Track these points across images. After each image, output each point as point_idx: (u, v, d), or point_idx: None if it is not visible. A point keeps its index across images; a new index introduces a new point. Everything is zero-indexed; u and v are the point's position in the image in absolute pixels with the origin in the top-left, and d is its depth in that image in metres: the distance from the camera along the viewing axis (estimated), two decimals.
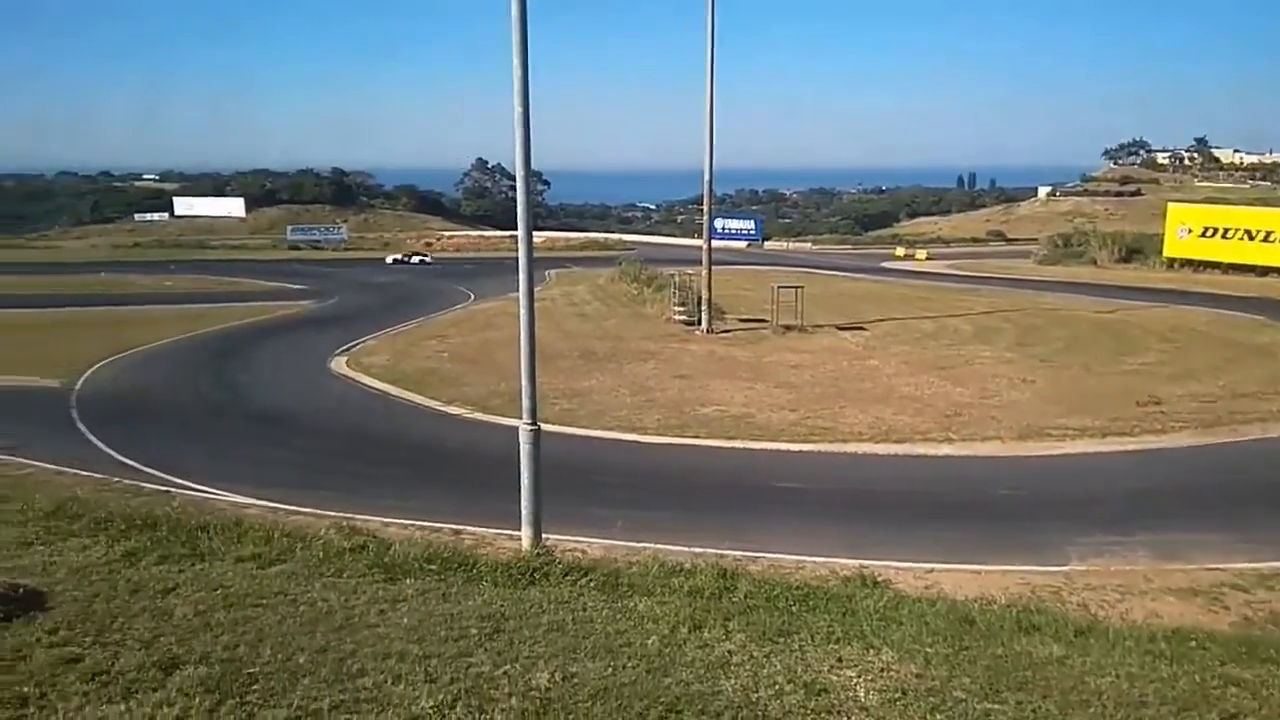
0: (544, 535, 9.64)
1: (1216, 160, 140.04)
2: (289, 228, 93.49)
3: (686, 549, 11.06)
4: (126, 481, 16.00)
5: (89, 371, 27.05)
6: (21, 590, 6.78)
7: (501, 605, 6.75)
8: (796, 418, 21.29)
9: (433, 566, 7.57)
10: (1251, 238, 56.86)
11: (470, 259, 74.34)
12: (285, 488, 15.60)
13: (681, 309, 36.18)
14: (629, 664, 5.81)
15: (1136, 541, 13.82)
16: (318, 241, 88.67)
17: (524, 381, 8.91)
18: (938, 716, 5.32)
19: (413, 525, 13.01)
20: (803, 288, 36.00)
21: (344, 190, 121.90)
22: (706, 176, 33.20)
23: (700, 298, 34.62)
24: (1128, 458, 18.81)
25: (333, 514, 13.30)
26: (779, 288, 34.95)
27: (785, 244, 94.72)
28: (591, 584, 7.23)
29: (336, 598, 6.96)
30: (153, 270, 62.80)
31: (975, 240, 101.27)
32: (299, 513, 13.54)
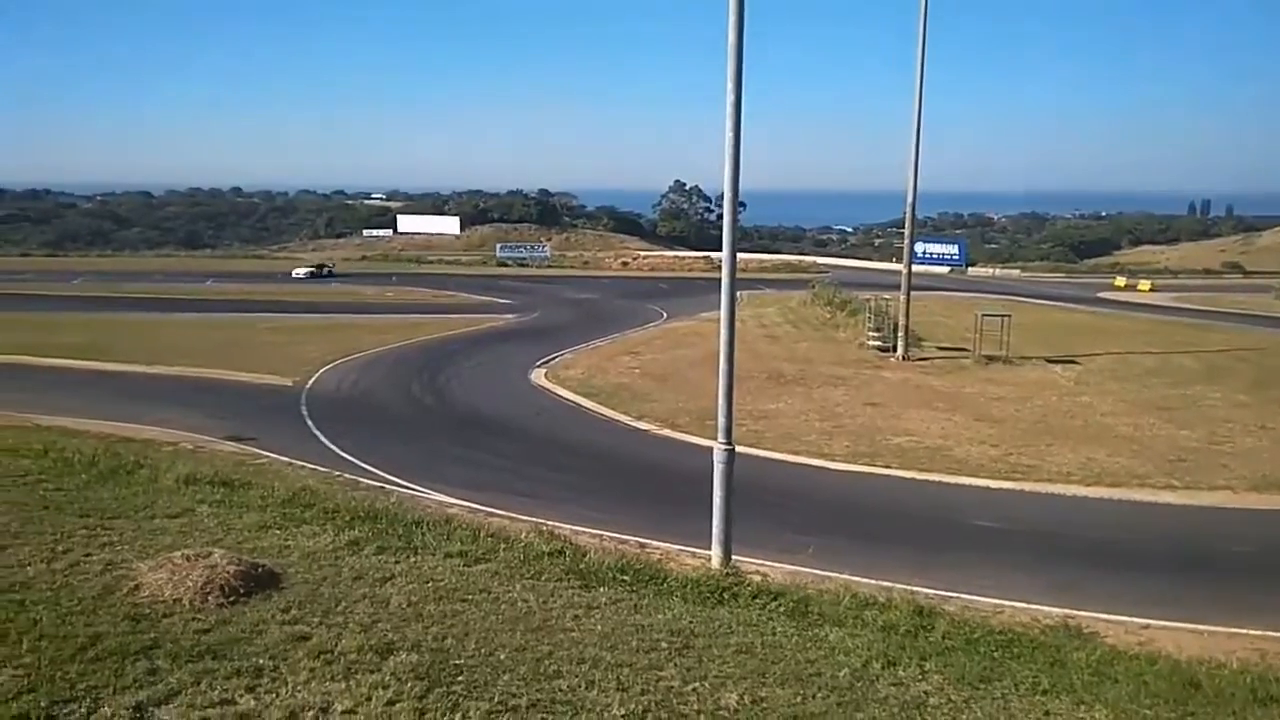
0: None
1: None
2: (498, 245, 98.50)
3: (875, 581, 10.76)
4: (346, 475, 17.40)
5: (318, 372, 29.56)
6: (260, 570, 7.51)
7: (691, 622, 6.83)
8: (998, 454, 20.26)
9: (625, 577, 7.76)
10: None
11: (664, 278, 75.56)
12: (484, 490, 16.47)
13: (876, 334, 35.28)
14: (819, 694, 5.73)
15: None
16: (523, 259, 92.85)
17: (721, 402, 9.00)
18: None
19: (601, 535, 13.40)
20: (1009, 316, 34.23)
21: (549, 210, 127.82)
22: (909, 198, 32.27)
23: (896, 324, 33.62)
24: None
25: (527, 518, 13.93)
26: (983, 315, 33.41)
27: (991, 270, 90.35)
28: (781, 609, 7.18)
29: (535, 599, 7.26)
30: (378, 282, 67.90)
31: (1208, 272, 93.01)
32: (496, 514, 14.26)
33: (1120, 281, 79.09)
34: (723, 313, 8.70)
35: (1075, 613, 11.39)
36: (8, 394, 24.14)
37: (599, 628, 6.71)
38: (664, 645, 6.38)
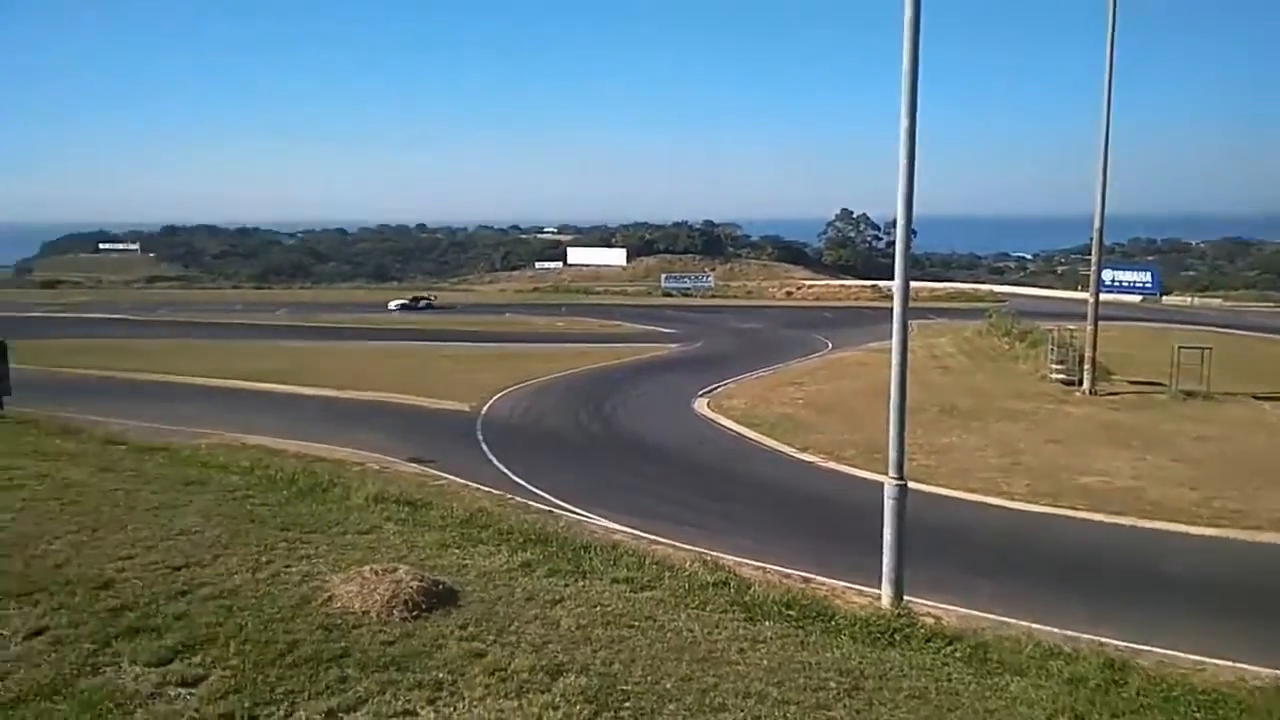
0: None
1: None
2: (663, 276, 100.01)
3: (1059, 630, 10.14)
4: (518, 499, 18.04)
5: (493, 399, 30.84)
6: (440, 587, 7.88)
7: (860, 662, 6.65)
8: (1198, 497, 18.69)
9: (791, 612, 7.65)
10: None
11: (829, 308, 74.37)
12: (649, 517, 16.67)
13: (1060, 367, 33.38)
14: None
15: None
16: (688, 289, 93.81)
17: (892, 435, 8.76)
18: None
19: (765, 568, 13.28)
20: (1210, 349, 31.59)
21: (713, 241, 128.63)
22: (1097, 223, 30.46)
23: (1082, 355, 31.70)
24: None
25: (690, 547, 13.98)
26: (1181, 348, 30.99)
27: (1189, 299, 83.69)
28: (956, 654, 6.87)
29: (700, 629, 7.27)
30: (548, 312, 70.30)
31: None
32: (661, 542, 14.38)
33: None
34: (894, 341, 8.50)
35: None
36: (221, 415, 26.48)
37: (765, 662, 6.64)
38: (832, 685, 6.24)
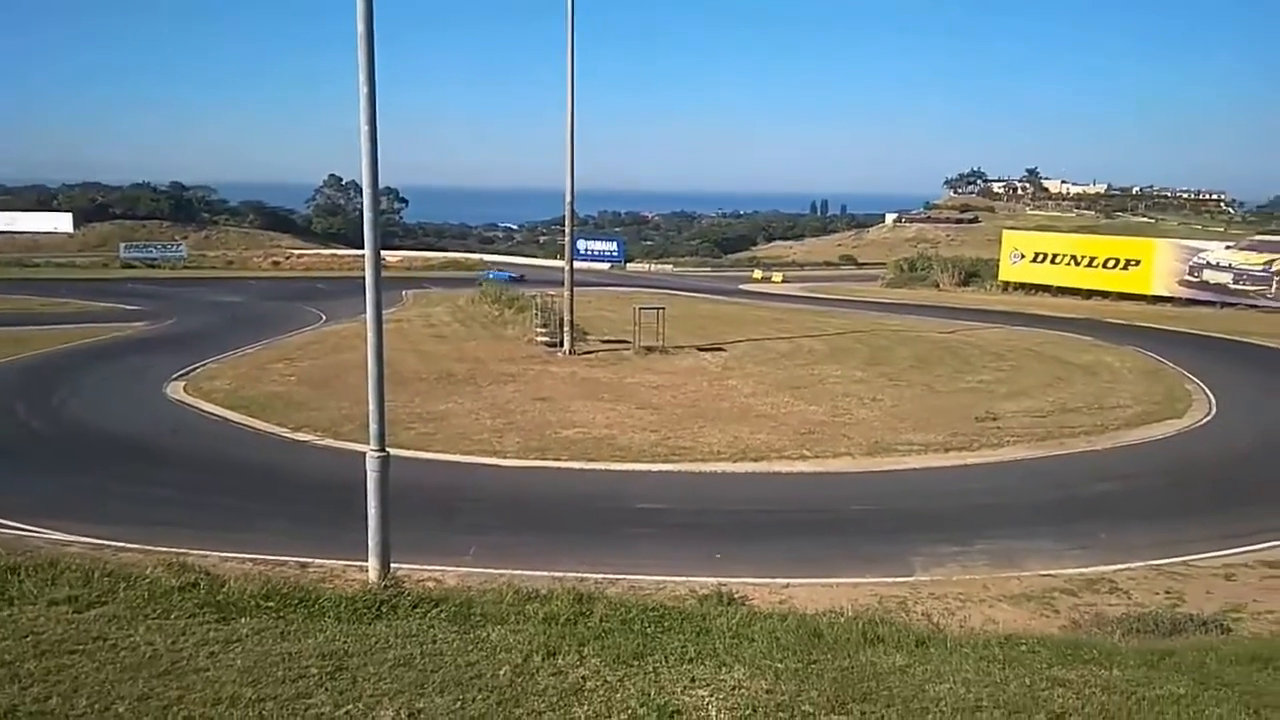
0: (395, 566, 9.29)
1: (1046, 190, 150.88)
2: (122, 245, 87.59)
3: (546, 574, 10.89)
4: None
5: None
6: None
7: (345, 642, 6.43)
8: (658, 438, 21.45)
9: (270, 603, 7.14)
10: (1077, 263, 61.41)
11: (322, 278, 71.68)
12: (113, 523, 14.57)
13: (544, 330, 35.99)
14: (479, 696, 5.63)
15: (976, 551, 14.58)
16: (154, 259, 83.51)
17: (372, 406, 8.58)
18: None
19: (255, 559, 12.38)
20: (664, 309, 36.44)
21: (183, 205, 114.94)
22: (568, 197, 33.24)
23: (562, 319, 34.54)
24: (967, 471, 19.83)
25: (165, 549, 12.47)
26: (640, 309, 35.26)
27: (648, 266, 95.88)
28: (442, 615, 6.97)
29: (163, 640, 6.47)
30: None
31: (828, 264, 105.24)
32: (127, 549, 12.65)
33: (758, 274, 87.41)
34: (369, 312, 8.29)
35: (728, 580, 12.31)
36: None
37: (239, 662, 6.11)
38: (314, 671, 5.95)
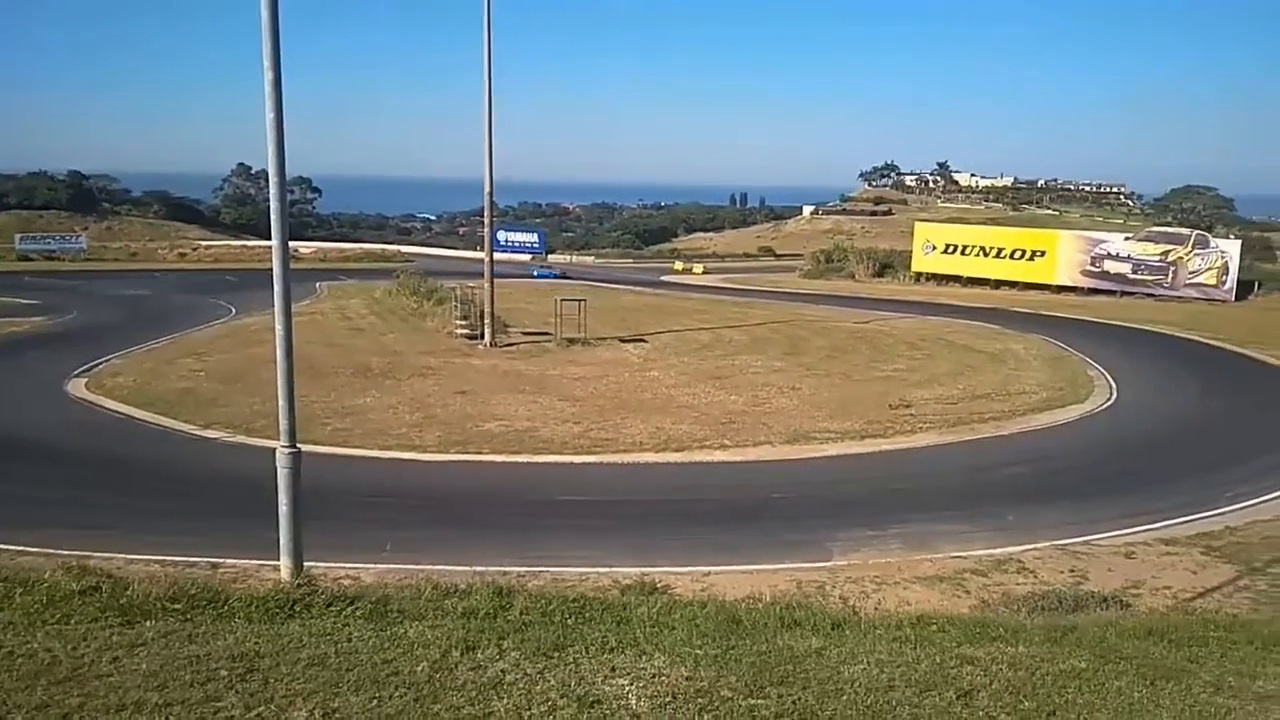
0: (310, 564, 9.07)
1: (956, 183, 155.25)
2: (18, 236, 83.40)
3: (467, 568, 10.78)
4: None
5: None
6: None
7: (256, 643, 6.24)
8: (580, 430, 21.44)
9: (177, 606, 6.89)
10: (986, 254, 63.42)
11: (231, 270, 69.43)
12: (10, 526, 13.86)
13: (464, 323, 35.58)
14: (396, 694, 5.54)
15: (891, 535, 14.97)
16: (53, 251, 79.72)
17: (281, 400, 8.33)
18: (705, 717, 5.44)
19: (162, 561, 11.95)
20: (585, 300, 36.40)
21: (83, 195, 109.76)
22: (486, 188, 32.88)
23: (483, 311, 34.19)
24: (882, 457, 20.33)
25: (65, 553, 11.94)
26: (562, 301, 35.15)
27: (569, 257, 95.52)
28: (358, 613, 6.83)
29: (62, 647, 6.19)
30: None
31: (748, 255, 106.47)
32: (26, 553, 12.07)
33: (679, 266, 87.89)
34: (277, 304, 8.05)
35: (651, 570, 12.40)
36: None
37: (144, 667, 5.88)
38: (224, 673, 5.76)
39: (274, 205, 7.82)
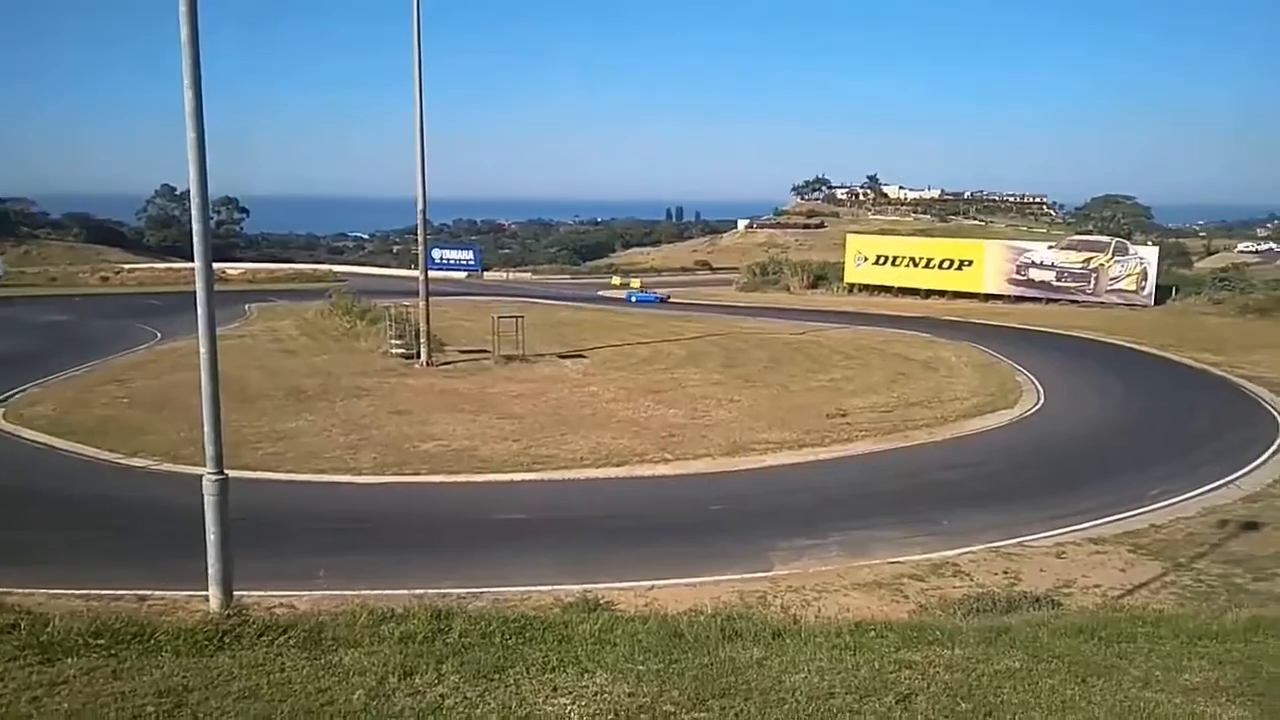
0: (241, 594, 8.83)
1: (886, 195, 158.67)
2: None
3: (405, 592, 10.58)
4: None
5: None
6: None
7: (184, 676, 6.05)
8: (520, 448, 21.26)
9: (100, 641, 6.64)
10: (916, 264, 64.75)
11: (156, 293, 67.48)
12: None
13: (399, 342, 35.04)
14: None
15: (831, 542, 15.14)
16: None
17: (206, 426, 8.11)
18: None
19: (86, 595, 11.50)
20: (523, 317, 36.18)
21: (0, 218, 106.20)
22: (420, 205, 32.54)
23: (418, 330, 33.76)
24: (820, 466, 20.56)
25: None
26: (499, 317, 34.89)
27: (505, 274, 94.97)
28: (291, 642, 6.65)
29: None
30: None
31: (684, 269, 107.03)
32: None
33: (616, 281, 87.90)
34: (201, 326, 7.84)
35: (593, 586, 12.31)
36: None
37: (66, 706, 5.66)
38: (150, 709, 5.57)
39: (196, 227, 7.64)
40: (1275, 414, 26.19)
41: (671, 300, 64.83)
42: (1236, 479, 19.31)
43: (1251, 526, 16.17)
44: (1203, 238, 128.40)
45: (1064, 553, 14.80)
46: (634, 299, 64.78)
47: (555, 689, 5.89)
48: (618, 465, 20.08)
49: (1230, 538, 15.58)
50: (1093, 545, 15.14)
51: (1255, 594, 12.76)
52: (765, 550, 14.70)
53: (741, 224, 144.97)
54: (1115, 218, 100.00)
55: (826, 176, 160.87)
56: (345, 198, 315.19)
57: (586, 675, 6.10)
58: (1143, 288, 57.98)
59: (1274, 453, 21.67)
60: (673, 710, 5.60)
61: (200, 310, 7.73)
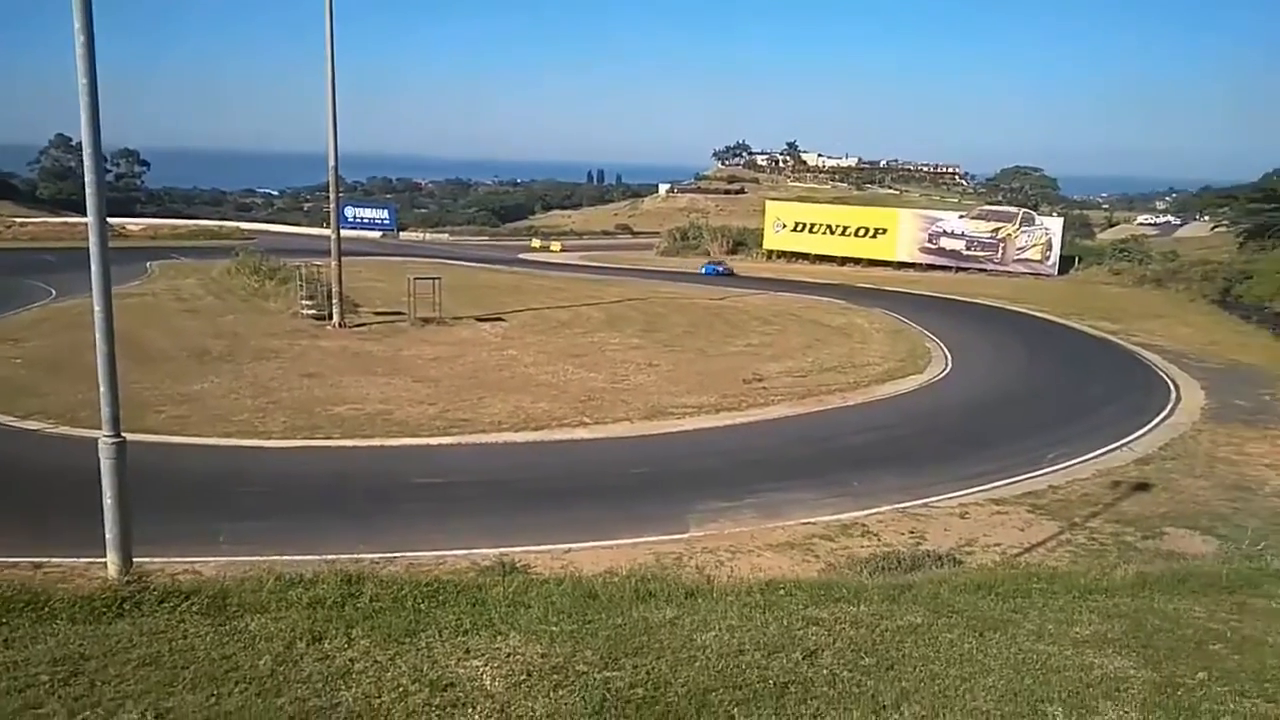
0: (144, 560, 8.55)
1: (805, 163, 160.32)
2: None
3: (316, 558, 10.39)
4: None
5: None
6: None
7: (80, 645, 5.84)
8: (436, 411, 21.03)
9: None
10: (832, 232, 65.79)
11: (51, 249, 64.26)
12: None
13: (310, 303, 34.14)
14: (236, 690, 5.29)
15: (745, 505, 15.42)
16: None
17: (103, 387, 7.75)
18: (561, 692, 5.46)
19: None
20: (440, 279, 35.61)
21: None
22: (331, 161, 31.58)
23: (330, 290, 32.92)
24: (737, 430, 20.88)
25: None
26: (415, 279, 34.26)
27: (422, 235, 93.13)
28: (194, 608, 6.47)
29: None
30: None
31: (605, 233, 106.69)
32: None
33: (536, 243, 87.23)
34: (95, 283, 7.48)
35: (510, 550, 12.31)
36: None
37: None
38: (44, 679, 5.36)
39: (89, 178, 7.25)
40: (1167, 380, 27.57)
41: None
42: (1129, 442, 20.31)
43: (1143, 488, 17.05)
44: (1105, 210, 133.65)
45: (967, 513, 15.37)
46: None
47: (468, 651, 5.87)
48: (536, 429, 20.03)
49: (1122, 498, 16.40)
50: (994, 506, 15.75)
51: (1143, 551, 13.50)
52: (682, 513, 14.89)
53: (663, 188, 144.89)
54: (1023, 189, 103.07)
55: (747, 142, 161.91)
56: (255, 152, 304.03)
57: (500, 637, 6.10)
58: (1048, 258, 60.07)
59: (1165, 417, 22.85)
60: (585, 670, 5.65)
61: (94, 266, 7.37)
